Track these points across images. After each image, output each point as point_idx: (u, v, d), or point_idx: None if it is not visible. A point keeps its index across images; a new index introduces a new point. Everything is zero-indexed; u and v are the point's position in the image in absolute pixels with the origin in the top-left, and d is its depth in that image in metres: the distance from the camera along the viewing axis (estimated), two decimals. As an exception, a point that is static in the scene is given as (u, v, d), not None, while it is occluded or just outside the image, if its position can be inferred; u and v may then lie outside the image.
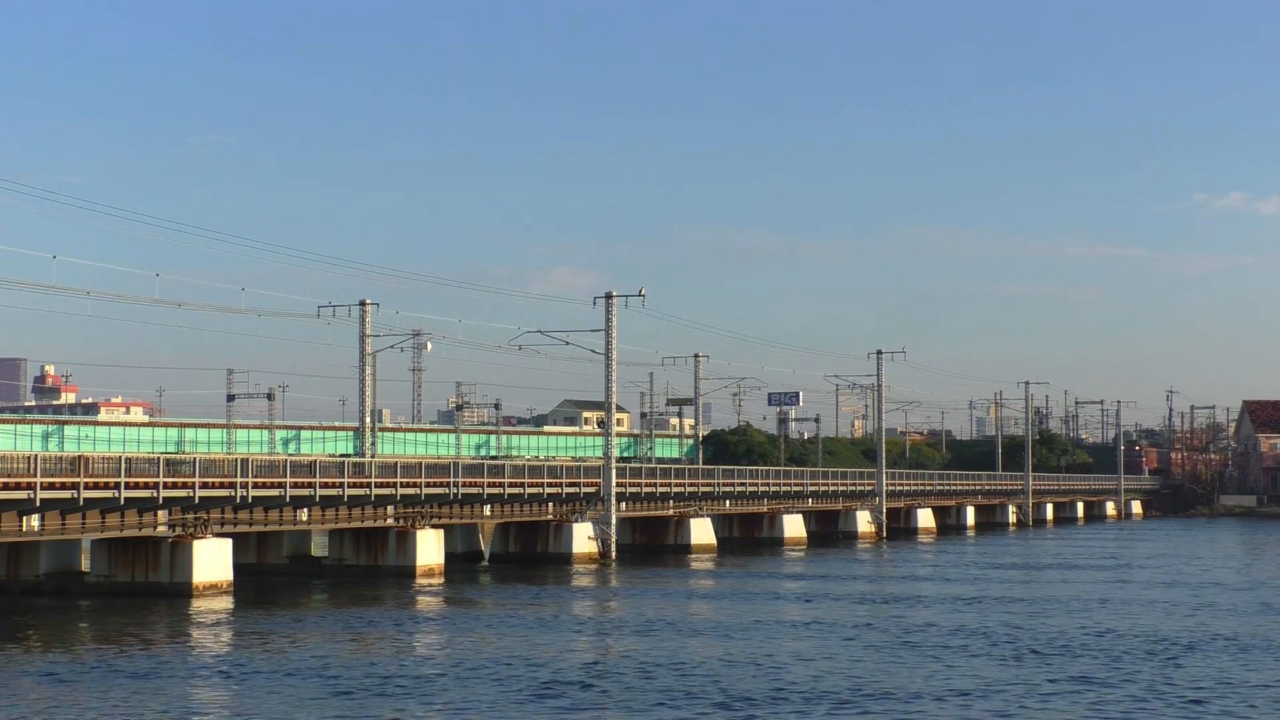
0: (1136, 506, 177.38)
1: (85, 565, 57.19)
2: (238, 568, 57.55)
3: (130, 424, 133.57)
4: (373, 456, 74.50)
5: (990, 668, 36.01)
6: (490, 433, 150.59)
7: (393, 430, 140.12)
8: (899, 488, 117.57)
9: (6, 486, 47.41)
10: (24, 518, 49.41)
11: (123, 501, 51.48)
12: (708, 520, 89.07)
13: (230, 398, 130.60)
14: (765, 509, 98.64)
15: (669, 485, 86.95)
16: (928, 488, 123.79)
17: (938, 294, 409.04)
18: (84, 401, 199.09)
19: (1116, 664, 36.78)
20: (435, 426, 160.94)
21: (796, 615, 49.44)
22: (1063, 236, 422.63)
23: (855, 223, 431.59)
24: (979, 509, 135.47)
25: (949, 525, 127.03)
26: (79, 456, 50.60)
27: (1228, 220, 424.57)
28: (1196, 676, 34.66)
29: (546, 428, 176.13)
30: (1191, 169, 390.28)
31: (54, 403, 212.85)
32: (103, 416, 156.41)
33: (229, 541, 56.26)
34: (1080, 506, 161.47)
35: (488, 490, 70.85)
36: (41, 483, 48.10)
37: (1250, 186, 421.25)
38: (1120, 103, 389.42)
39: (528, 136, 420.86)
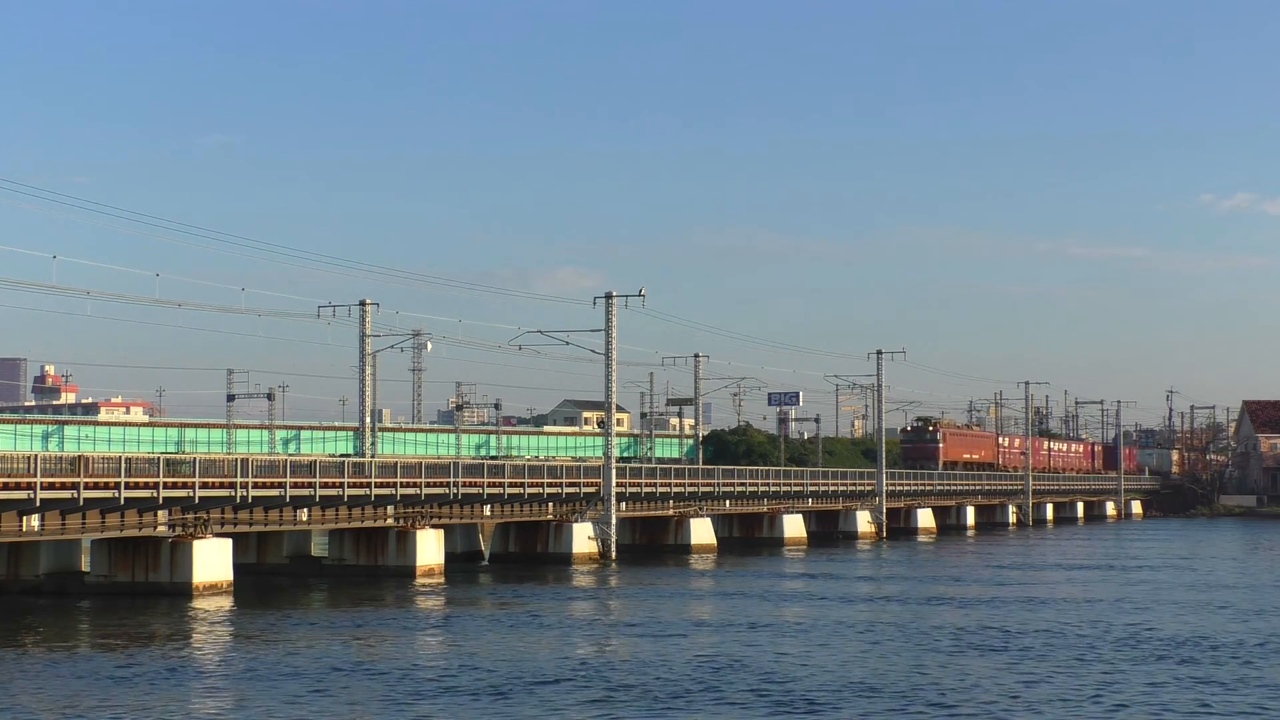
0: (1136, 506, 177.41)
1: (85, 565, 57.20)
2: (238, 568, 57.55)
3: (130, 424, 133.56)
4: (373, 456, 74.49)
5: (1013, 667, 36.05)
6: (490, 433, 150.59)
7: (393, 430, 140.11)
8: (899, 488, 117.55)
9: (6, 486, 47.41)
10: (24, 518, 49.40)
11: (123, 501, 51.48)
12: (708, 520, 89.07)
13: (230, 398, 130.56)
14: (765, 509, 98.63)
15: (669, 485, 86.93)
16: (928, 488, 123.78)
17: (939, 294, 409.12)
18: (84, 401, 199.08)
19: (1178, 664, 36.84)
20: (435, 426, 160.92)
21: (799, 615, 49.45)
22: (1068, 237, 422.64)
23: (857, 223, 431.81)
24: (979, 509, 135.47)
25: (949, 525, 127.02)
26: (79, 456, 50.60)
27: (1234, 221, 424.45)
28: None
29: (546, 428, 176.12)
30: (1198, 169, 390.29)
31: (54, 403, 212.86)
32: (103, 416, 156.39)
33: (229, 541, 56.26)
34: (1080, 506, 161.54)
35: (488, 490, 70.85)
36: (41, 483, 48.10)
37: (1257, 187, 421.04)
38: (1127, 103, 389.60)
39: (530, 137, 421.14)
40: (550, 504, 76.38)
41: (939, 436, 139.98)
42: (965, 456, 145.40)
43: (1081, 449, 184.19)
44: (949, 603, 54.33)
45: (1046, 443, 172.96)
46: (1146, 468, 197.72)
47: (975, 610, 51.19)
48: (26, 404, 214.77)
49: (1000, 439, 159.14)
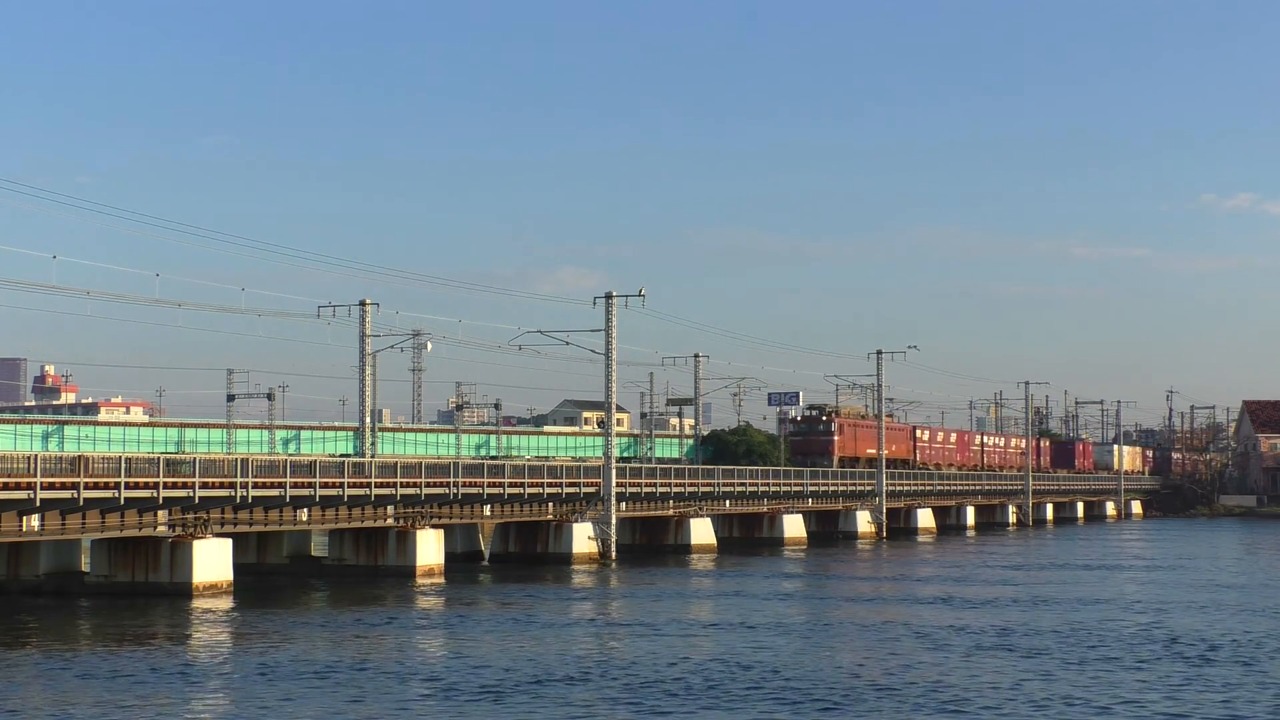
0: (1136, 507, 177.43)
1: (85, 565, 57.18)
2: (238, 568, 57.53)
3: (130, 424, 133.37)
4: (373, 456, 74.45)
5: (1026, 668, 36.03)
6: (490, 433, 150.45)
7: (393, 430, 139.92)
8: (899, 488, 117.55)
9: (6, 486, 47.39)
10: (24, 518, 49.39)
11: (123, 501, 51.46)
12: (708, 520, 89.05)
13: (230, 398, 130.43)
14: (765, 509, 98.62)
15: (669, 485, 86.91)
16: (928, 488, 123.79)
17: (940, 294, 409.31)
18: (84, 401, 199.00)
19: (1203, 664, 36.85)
20: (435, 426, 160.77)
21: (800, 615, 49.42)
22: (1070, 237, 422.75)
23: (858, 223, 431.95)
24: (979, 509, 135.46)
25: (949, 525, 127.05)
26: (79, 456, 50.58)
27: (1236, 221, 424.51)
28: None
29: (546, 428, 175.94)
30: (1200, 169, 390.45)
31: (54, 403, 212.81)
32: (103, 416, 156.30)
33: (229, 541, 56.24)
34: (1080, 506, 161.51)
35: (488, 490, 70.83)
36: (41, 483, 48.08)
37: (1259, 187, 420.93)
38: (1128, 102, 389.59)
39: (530, 137, 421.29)
40: (550, 504, 76.36)
41: (834, 428, 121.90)
42: (868, 452, 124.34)
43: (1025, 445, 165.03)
44: (952, 602, 54.30)
45: (979, 437, 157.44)
46: (1106, 467, 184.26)
47: (979, 610, 51.16)
48: (26, 404, 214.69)
49: (917, 432, 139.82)
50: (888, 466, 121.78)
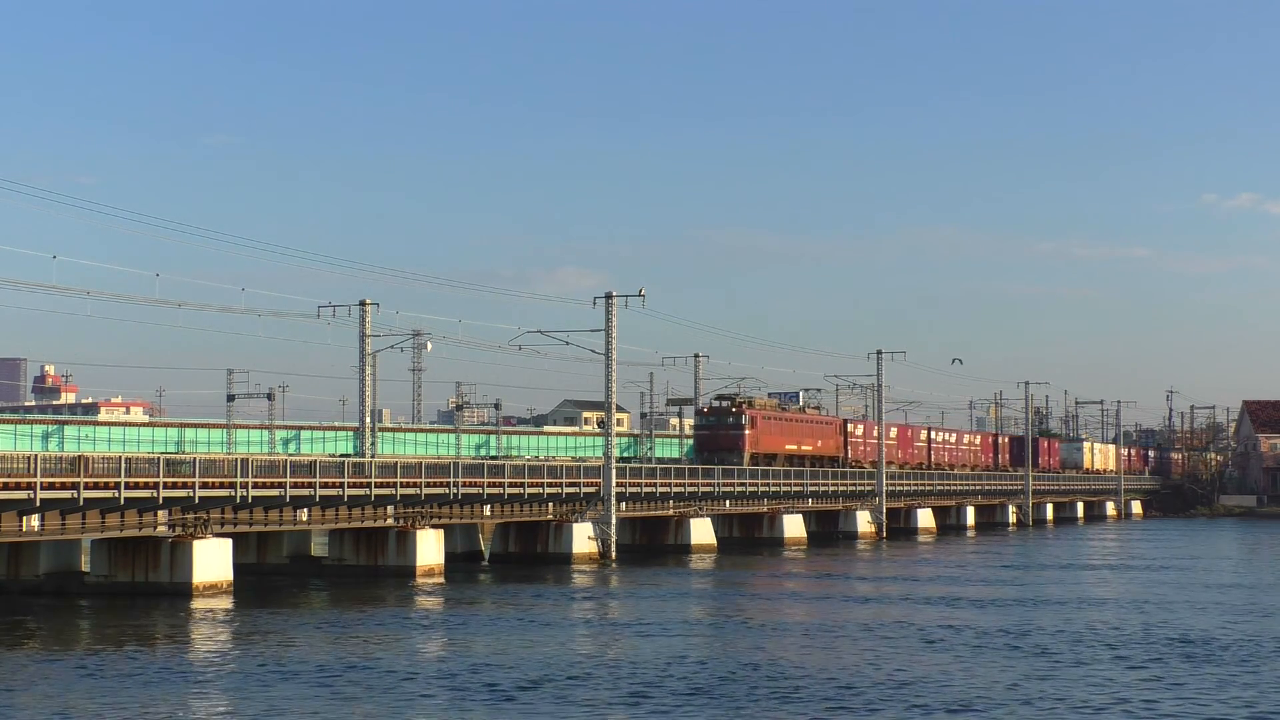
0: (1136, 507, 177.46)
1: (85, 565, 57.19)
2: (238, 568, 57.54)
3: (130, 424, 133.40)
4: (373, 456, 74.44)
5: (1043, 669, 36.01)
6: (490, 433, 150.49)
7: (393, 430, 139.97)
8: (899, 488, 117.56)
9: (6, 486, 47.38)
10: (24, 518, 49.38)
11: (123, 501, 51.45)
12: (708, 520, 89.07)
13: (230, 398, 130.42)
14: (765, 509, 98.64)
15: (669, 485, 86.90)
16: (928, 488, 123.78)
17: (941, 294, 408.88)
18: (84, 401, 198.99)
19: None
20: (435, 426, 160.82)
21: (801, 615, 49.41)
22: (1070, 237, 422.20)
23: (861, 223, 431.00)
24: (979, 509, 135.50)
25: (949, 525, 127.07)
26: (79, 456, 50.58)
27: (1237, 221, 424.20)
28: None
29: (546, 428, 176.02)
30: (1201, 170, 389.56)
31: (54, 403, 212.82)
32: (103, 416, 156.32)
33: (229, 541, 56.25)
34: (1080, 506, 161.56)
35: (488, 490, 70.83)
36: (41, 483, 48.07)
37: (1261, 187, 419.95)
38: (1129, 102, 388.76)
39: (529, 136, 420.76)
40: (550, 504, 76.36)
41: (745, 421, 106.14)
42: (787, 447, 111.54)
43: (980, 441, 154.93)
44: (953, 602, 54.28)
45: (925, 432, 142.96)
46: (1075, 466, 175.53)
47: (981, 610, 51.15)
48: (26, 404, 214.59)
49: (850, 426, 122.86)
50: (812, 463, 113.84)
